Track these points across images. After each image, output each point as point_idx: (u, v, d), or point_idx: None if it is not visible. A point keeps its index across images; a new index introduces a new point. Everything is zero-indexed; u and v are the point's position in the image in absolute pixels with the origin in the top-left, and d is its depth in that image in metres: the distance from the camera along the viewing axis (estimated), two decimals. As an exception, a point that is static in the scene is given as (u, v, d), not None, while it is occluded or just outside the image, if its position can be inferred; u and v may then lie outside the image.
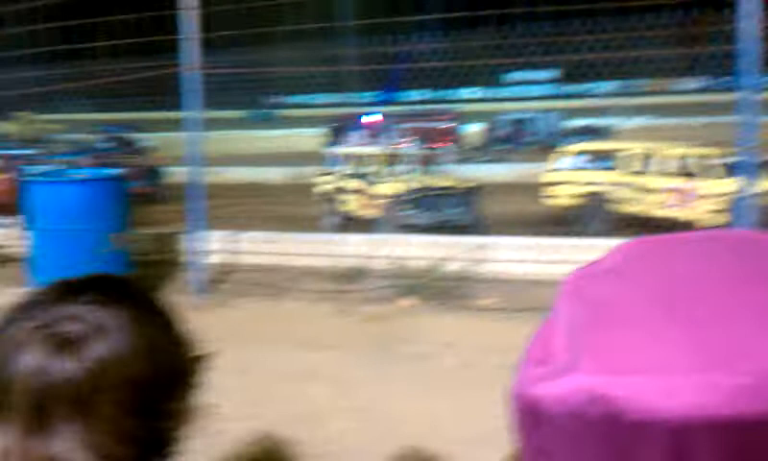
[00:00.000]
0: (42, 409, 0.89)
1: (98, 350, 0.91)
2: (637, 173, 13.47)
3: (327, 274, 8.58)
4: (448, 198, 12.77)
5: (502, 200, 15.11)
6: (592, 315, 0.50)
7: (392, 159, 14.75)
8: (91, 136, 28.06)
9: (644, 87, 41.08)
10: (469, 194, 13.05)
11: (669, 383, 0.44)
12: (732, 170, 11.85)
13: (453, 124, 33.71)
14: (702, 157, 13.00)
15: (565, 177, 14.31)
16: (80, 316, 0.93)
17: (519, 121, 32.38)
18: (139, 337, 0.95)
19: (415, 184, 13.11)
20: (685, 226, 11.72)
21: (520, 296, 7.79)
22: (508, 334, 6.93)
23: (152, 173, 19.92)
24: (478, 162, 25.96)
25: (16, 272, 9.15)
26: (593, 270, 0.55)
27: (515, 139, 30.96)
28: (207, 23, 8.75)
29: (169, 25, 8.85)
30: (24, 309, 0.95)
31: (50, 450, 0.89)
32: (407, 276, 8.13)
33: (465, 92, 42.97)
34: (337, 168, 15.17)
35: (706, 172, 12.56)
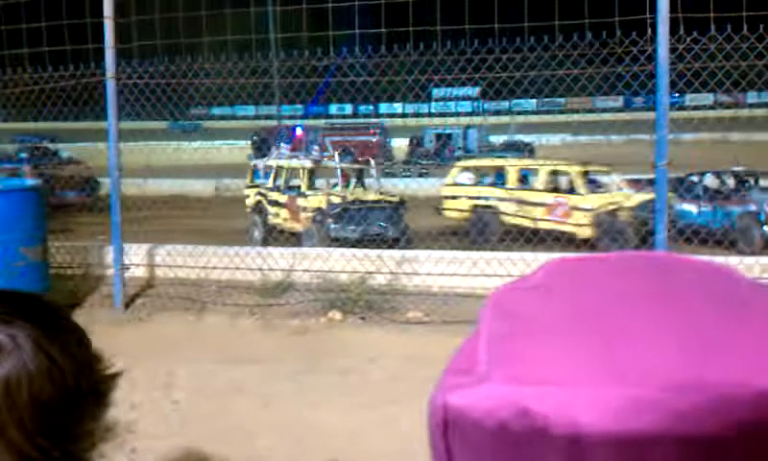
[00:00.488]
0: None
1: (1, 368, 0.88)
2: (519, 188, 14.31)
3: (251, 287, 8.47)
4: (375, 211, 12.78)
5: (428, 214, 15.24)
6: (511, 327, 0.51)
7: (317, 173, 14.85)
8: (8, 146, 27.22)
9: (563, 105, 42.19)
10: (396, 208, 13.10)
11: (574, 394, 0.45)
12: (602, 185, 14.38)
13: (379, 138, 33.93)
14: (577, 173, 13.95)
15: (455, 191, 14.87)
16: None
17: (444, 136, 32.80)
18: (43, 356, 0.91)
19: (340, 198, 13.13)
20: (565, 237, 12.74)
21: (445, 309, 7.84)
22: (433, 347, 6.97)
23: (89, 183, 19.48)
24: (403, 176, 26.15)
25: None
26: (518, 285, 0.57)
27: (440, 154, 31.34)
28: (131, 33, 8.60)
29: (85, 34, 8.66)
30: None
31: None
32: (332, 289, 8.10)
33: (391, 107, 43.32)
34: (262, 181, 15.16)
35: (580, 187, 13.53)
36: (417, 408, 3.19)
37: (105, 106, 7.92)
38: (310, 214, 13.02)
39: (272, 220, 14.03)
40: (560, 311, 0.51)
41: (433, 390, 0.54)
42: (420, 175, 26.40)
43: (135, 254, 8.75)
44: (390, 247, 10.50)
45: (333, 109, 42.53)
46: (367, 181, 15.31)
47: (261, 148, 27.87)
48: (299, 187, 14.03)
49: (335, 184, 14.26)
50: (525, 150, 30.70)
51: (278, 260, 8.69)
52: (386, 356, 6.66)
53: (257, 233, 14.04)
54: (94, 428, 0.95)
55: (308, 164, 14.83)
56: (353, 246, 10.52)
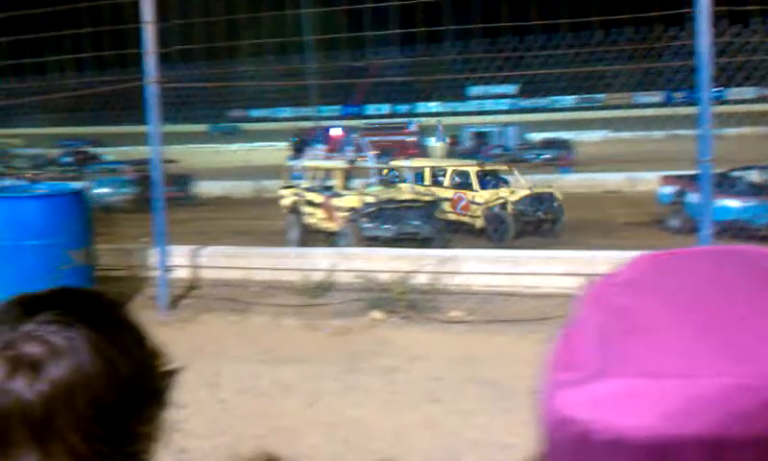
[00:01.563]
0: (1, 434, 0.85)
1: (56, 371, 0.87)
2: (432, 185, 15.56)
3: (294, 288, 8.52)
4: (409, 211, 12.95)
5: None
6: (619, 323, 0.51)
7: (352, 173, 15.20)
8: (53, 150, 27.74)
9: (603, 101, 41.75)
10: (430, 207, 13.30)
11: (698, 387, 0.45)
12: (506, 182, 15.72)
13: (416, 137, 33.90)
14: (473, 172, 15.39)
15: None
16: (38, 335, 0.88)
17: (482, 134, 32.64)
18: (102, 358, 0.90)
19: (375, 198, 13.31)
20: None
21: (487, 308, 7.82)
22: (475, 346, 6.97)
23: (183, 180, 20.44)
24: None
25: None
26: (613, 281, 0.56)
27: (477, 152, 31.20)
28: (171, 38, 8.69)
29: (130, 39, 8.77)
30: None
31: None
32: (374, 289, 8.11)
33: (428, 106, 43.30)
34: (299, 181, 15.45)
35: (474, 184, 14.98)
36: (459, 408, 3.22)
37: (146, 110, 8.03)
38: (345, 214, 13.16)
39: (307, 220, 14.26)
40: (664, 305, 0.51)
41: (542, 390, 0.54)
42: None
43: (180, 256, 8.85)
44: (427, 246, 11.02)
45: (370, 109, 42.65)
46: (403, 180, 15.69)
47: (301, 149, 28.03)
48: (335, 187, 14.32)
49: (371, 184, 14.56)
50: (564, 147, 30.43)
51: (320, 261, 8.73)
52: (428, 356, 6.65)
53: (294, 233, 14.28)
54: (152, 429, 0.95)
55: (343, 165, 15.18)
56: (394, 245, 10.75)
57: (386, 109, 42.02)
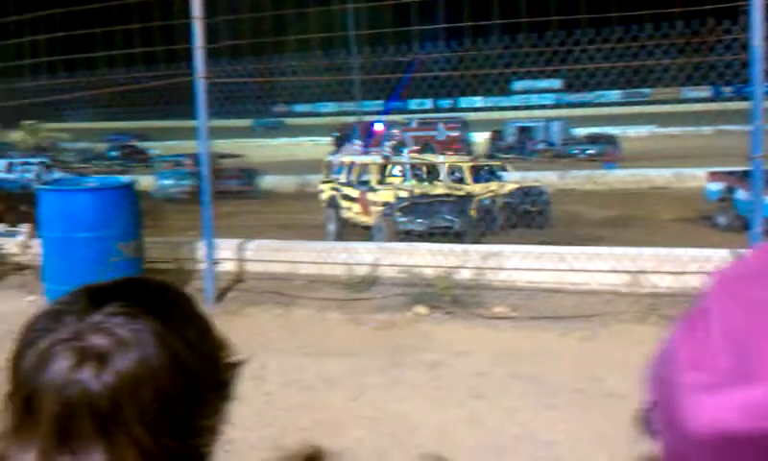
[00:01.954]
0: (67, 425, 0.86)
1: (123, 363, 0.88)
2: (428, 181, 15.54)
3: (338, 282, 8.56)
4: (441, 205, 13.20)
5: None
6: (756, 319, 0.48)
7: (388, 168, 15.66)
8: (100, 144, 28.25)
9: (650, 96, 41.12)
10: (462, 201, 13.56)
11: None
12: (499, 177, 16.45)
13: (459, 133, 33.76)
14: (467, 167, 16.10)
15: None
16: (106, 327, 0.89)
17: (526, 129, 32.37)
18: (167, 351, 0.91)
19: (409, 192, 13.69)
20: None
21: (531, 304, 7.77)
22: (519, 343, 6.93)
23: (248, 173, 21.19)
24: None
25: (30, 279, 9.18)
26: (740, 271, 0.53)
27: (521, 147, 30.94)
28: (217, 33, 8.78)
29: (178, 34, 8.87)
30: (50, 319, 0.92)
31: None
32: (418, 284, 8.11)
33: (471, 101, 43.05)
34: (337, 176, 15.92)
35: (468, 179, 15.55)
36: (503, 404, 3.21)
37: (193, 105, 8.13)
38: (380, 208, 13.44)
39: (344, 214, 14.69)
40: None
41: (656, 381, 0.51)
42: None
43: (226, 249, 8.94)
44: (459, 239, 11.43)
45: (413, 104, 42.50)
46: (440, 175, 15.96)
47: (344, 144, 28.12)
48: (371, 182, 14.76)
49: (404, 179, 14.96)
50: (609, 142, 30.07)
51: (364, 255, 8.76)
52: (472, 352, 6.64)
53: (332, 227, 14.76)
54: (216, 422, 0.95)
55: (379, 160, 15.69)
56: (428, 239, 10.96)
57: (429, 103, 41.91)
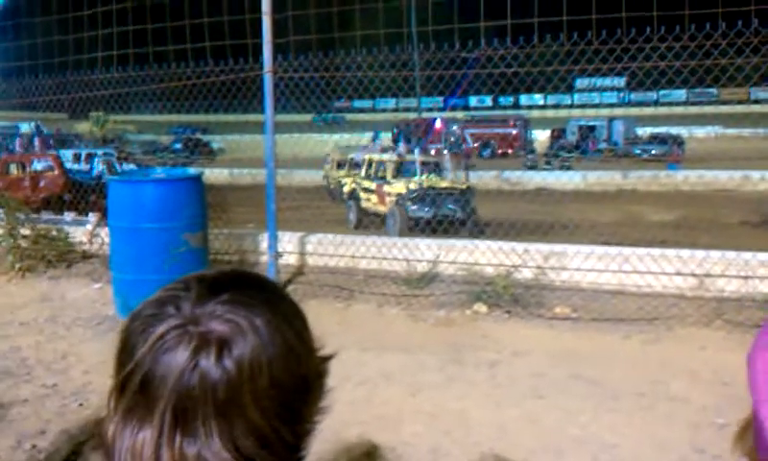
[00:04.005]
0: (185, 410, 0.87)
1: (244, 351, 0.89)
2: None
3: (397, 278, 8.58)
4: (446, 197, 14.82)
5: (572, 207, 14.99)
6: None
7: (402, 164, 17.39)
8: (164, 137, 28.80)
9: (717, 96, 40.10)
10: (465, 194, 15.12)
11: None
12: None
13: (520, 130, 33.47)
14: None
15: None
16: (221, 315, 0.91)
17: (593, 128, 31.90)
18: (281, 340, 0.93)
19: (417, 185, 15.32)
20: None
21: (593, 306, 7.67)
22: (580, 344, 6.85)
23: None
24: (549, 169, 25.73)
25: (97, 267, 9.43)
26: None
27: (588, 146, 30.52)
28: (279, 28, 8.87)
29: (243, 29, 8.98)
30: (163, 305, 0.94)
31: (192, 452, 0.87)
32: (478, 282, 8.08)
33: (532, 99, 42.63)
34: (358, 170, 17.99)
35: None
36: (563, 405, 3.19)
37: (261, 99, 8.23)
38: (393, 198, 15.23)
39: (363, 204, 16.49)
40: None
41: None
42: (562, 168, 25.87)
43: (288, 242, 9.04)
44: (461, 227, 13.10)
45: (473, 101, 42.27)
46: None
47: (403, 139, 28.14)
48: (386, 176, 16.50)
49: (414, 173, 16.46)
50: (673, 142, 29.47)
51: (424, 251, 8.76)
52: (532, 352, 6.59)
53: (352, 216, 16.61)
54: (317, 410, 0.98)
55: (394, 157, 17.51)
56: (428, 224, 12.79)
57: (489, 100, 41.63)
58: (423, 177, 16.19)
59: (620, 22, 8.54)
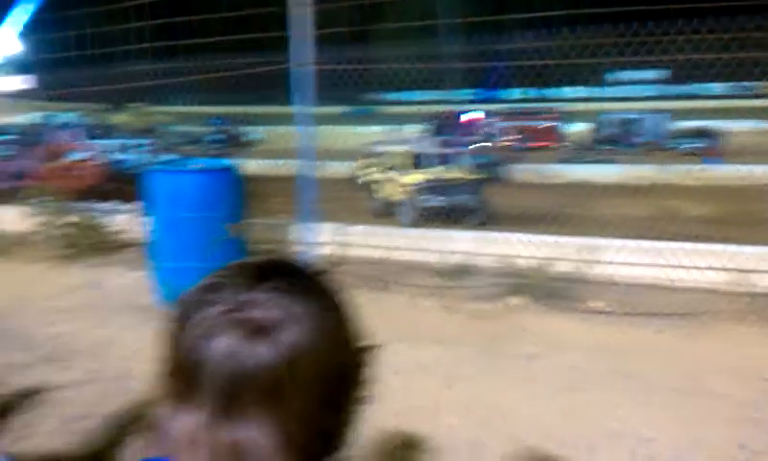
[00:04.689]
0: (233, 395, 0.88)
1: (291, 337, 0.89)
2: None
3: (432, 269, 8.60)
4: (457, 186, 15.42)
5: (606, 201, 14.87)
6: None
7: (419, 155, 17.90)
8: (201, 128, 28.98)
9: (755, 90, 39.42)
10: (475, 184, 15.82)
11: None
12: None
13: (555, 123, 33.19)
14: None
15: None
16: (267, 302, 0.91)
17: (627, 121, 31.52)
18: (324, 329, 0.93)
19: (430, 175, 15.98)
20: None
21: (628, 299, 7.64)
22: (615, 339, 6.83)
23: (492, 163, 22.46)
24: (583, 162, 25.51)
25: (135, 256, 9.57)
26: None
27: (622, 140, 30.16)
28: (320, 21, 8.90)
29: (277, 22, 9.02)
30: (210, 291, 0.94)
31: (238, 437, 0.88)
32: (512, 274, 8.07)
33: (568, 91, 42.25)
34: (375, 160, 18.67)
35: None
36: (599, 399, 3.20)
37: (293, 91, 8.26)
38: (407, 188, 15.92)
39: (382, 194, 17.10)
40: None
41: None
42: (596, 161, 25.62)
43: (323, 233, 9.10)
44: (472, 216, 13.50)
45: (508, 93, 41.93)
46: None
47: (437, 132, 28.07)
48: (402, 167, 17.09)
49: (421, 165, 17.02)
50: (710, 136, 29.06)
51: (459, 243, 8.77)
52: (567, 345, 6.58)
53: (372, 204, 17.17)
54: (359, 399, 0.97)
55: (409, 149, 18.18)
56: (439, 214, 13.37)
57: (520, 93, 41.29)
58: (440, 168, 16.91)
59: (654, 14, 8.47)
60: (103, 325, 7.33)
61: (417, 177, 16.12)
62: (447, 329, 7.01)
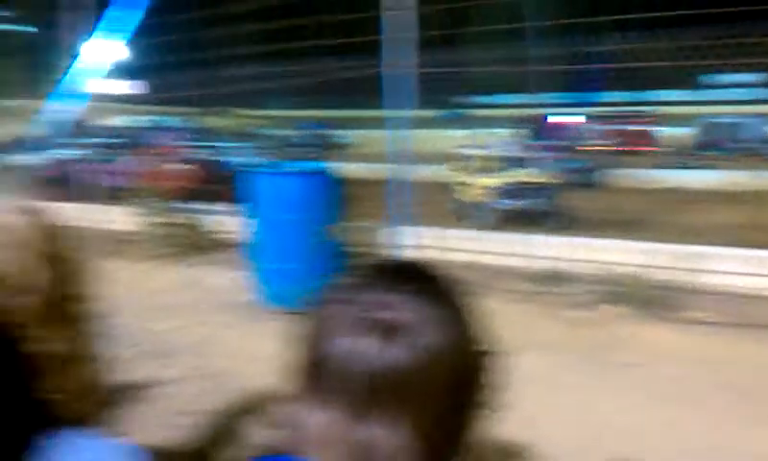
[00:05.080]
0: (367, 394, 0.89)
1: (426, 340, 0.91)
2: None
3: (524, 275, 8.50)
4: (531, 190, 15.64)
5: (703, 207, 14.43)
6: None
7: (495, 158, 18.19)
8: (293, 132, 29.49)
9: None
10: (548, 188, 15.96)
11: None
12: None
13: (651, 127, 32.41)
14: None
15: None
16: (403, 304, 0.93)
17: (728, 125, 30.41)
18: (458, 330, 0.95)
19: (507, 179, 16.22)
20: None
21: (736, 311, 7.38)
22: (716, 350, 6.60)
23: (587, 168, 22.61)
24: (680, 167, 24.82)
25: (235, 256, 9.79)
26: None
27: (722, 144, 29.13)
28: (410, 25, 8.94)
29: (367, 26, 9.08)
30: (345, 292, 0.96)
31: (370, 435, 0.89)
32: (609, 282, 7.90)
33: (661, 94, 41.13)
34: (460, 164, 18.82)
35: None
36: (703, 412, 3.10)
37: (388, 95, 8.29)
38: (484, 191, 16.26)
39: (463, 196, 17.31)
40: None
41: None
42: (693, 166, 24.84)
43: (415, 236, 9.12)
44: (545, 220, 13.33)
45: (601, 96, 41.11)
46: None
47: (527, 135, 27.82)
48: (481, 170, 17.28)
49: (501, 168, 17.26)
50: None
51: (552, 249, 8.64)
52: (667, 355, 6.41)
53: (455, 206, 17.38)
54: (486, 404, 0.98)
55: (490, 153, 18.39)
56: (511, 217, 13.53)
57: (612, 96, 40.40)
58: (520, 171, 17.20)
59: (752, 15, 8.17)
60: (204, 323, 7.52)
61: (493, 180, 16.48)
62: (542, 337, 6.91)
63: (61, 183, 18.26)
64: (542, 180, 16.60)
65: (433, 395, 0.91)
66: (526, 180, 16.37)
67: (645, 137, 31.12)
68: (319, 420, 0.92)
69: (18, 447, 0.99)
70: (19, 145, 19.34)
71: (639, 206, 15.46)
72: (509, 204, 15.43)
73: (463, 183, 17.77)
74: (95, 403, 1.11)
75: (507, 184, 15.95)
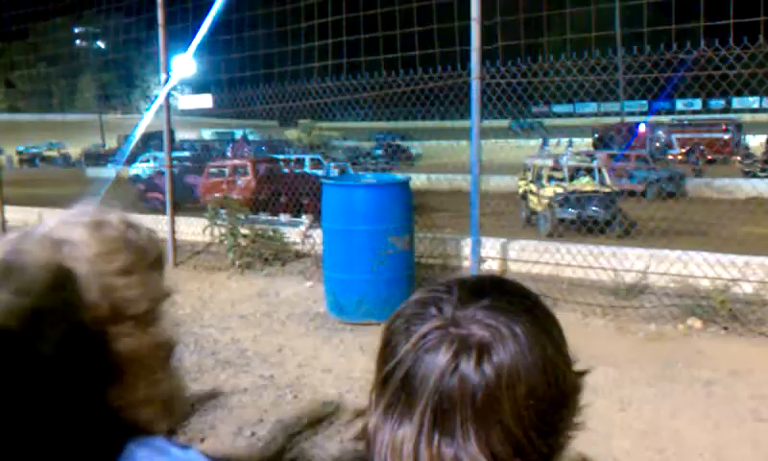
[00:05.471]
0: (446, 410, 0.88)
1: (506, 356, 0.90)
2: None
3: (603, 287, 8.32)
4: (591, 199, 15.99)
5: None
6: None
7: (559, 169, 18.70)
8: (366, 143, 29.75)
9: None
10: (609, 197, 16.22)
11: None
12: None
13: (731, 135, 31.55)
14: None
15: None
16: (482, 320, 0.92)
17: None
18: (539, 349, 0.93)
19: (569, 187, 16.72)
20: None
21: (823, 326, 7.07)
22: (804, 367, 6.32)
23: (674, 176, 23.01)
24: (761, 176, 24.05)
25: (309, 266, 9.91)
26: None
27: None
28: (493, 34, 8.88)
29: (451, 37, 9.05)
30: (426, 306, 0.96)
31: (449, 452, 0.88)
32: (692, 295, 7.67)
33: (745, 101, 39.97)
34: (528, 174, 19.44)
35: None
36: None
37: (462, 105, 8.26)
38: (546, 200, 16.71)
39: (530, 205, 17.99)
40: None
41: None
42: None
43: (491, 248, 9.04)
44: (605, 228, 13.60)
45: (680, 104, 40.16)
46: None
47: (603, 144, 27.38)
48: (544, 179, 17.88)
49: (562, 178, 17.80)
50: None
51: (633, 261, 8.44)
52: (751, 372, 6.17)
53: (523, 214, 18.27)
54: (571, 425, 0.97)
55: (550, 163, 19.08)
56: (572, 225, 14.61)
57: (698, 104, 39.42)
58: (583, 180, 17.65)
59: None
60: (278, 332, 7.62)
61: (555, 189, 16.84)
62: (619, 350, 6.75)
63: (150, 195, 18.92)
64: (601, 189, 16.88)
65: (513, 413, 0.90)
66: (586, 189, 16.75)
67: (728, 145, 30.24)
68: (394, 435, 0.91)
69: (104, 455, 1.01)
70: (110, 158, 20.12)
71: (718, 216, 15.01)
72: (566, 213, 15.77)
73: (532, 192, 18.13)
74: (174, 412, 1.12)
75: (566, 193, 16.34)
